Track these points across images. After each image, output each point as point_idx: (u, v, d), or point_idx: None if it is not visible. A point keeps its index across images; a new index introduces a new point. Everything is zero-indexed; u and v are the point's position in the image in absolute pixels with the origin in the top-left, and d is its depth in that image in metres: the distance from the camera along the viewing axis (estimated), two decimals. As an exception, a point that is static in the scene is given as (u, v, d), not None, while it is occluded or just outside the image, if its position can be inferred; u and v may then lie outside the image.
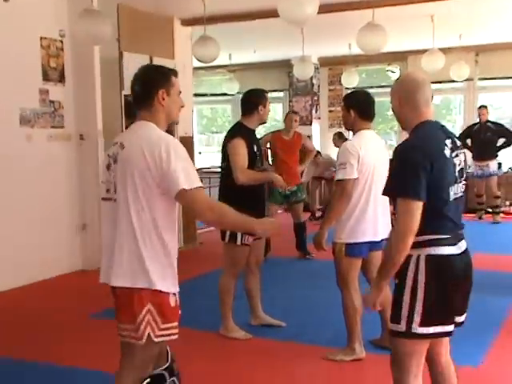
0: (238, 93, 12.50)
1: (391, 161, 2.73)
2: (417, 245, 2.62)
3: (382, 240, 4.27)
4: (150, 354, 2.76)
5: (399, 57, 11.67)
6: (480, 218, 10.37)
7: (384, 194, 2.74)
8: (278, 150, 7.67)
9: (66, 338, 4.96)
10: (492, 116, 10.73)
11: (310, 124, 12.41)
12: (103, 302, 5.86)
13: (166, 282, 2.68)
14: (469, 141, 10.17)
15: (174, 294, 2.74)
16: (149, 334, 2.65)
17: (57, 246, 7.01)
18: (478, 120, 10.30)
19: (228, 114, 15.11)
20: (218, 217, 2.67)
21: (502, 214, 10.38)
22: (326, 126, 12.60)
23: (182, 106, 2.85)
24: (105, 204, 2.80)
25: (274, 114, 13.31)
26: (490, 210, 10.31)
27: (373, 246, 4.23)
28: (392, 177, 2.69)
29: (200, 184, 2.63)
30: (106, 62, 7.19)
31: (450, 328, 2.71)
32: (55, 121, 6.98)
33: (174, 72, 2.83)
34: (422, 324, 2.62)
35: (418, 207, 2.54)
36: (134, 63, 7.35)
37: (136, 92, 2.78)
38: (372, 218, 4.14)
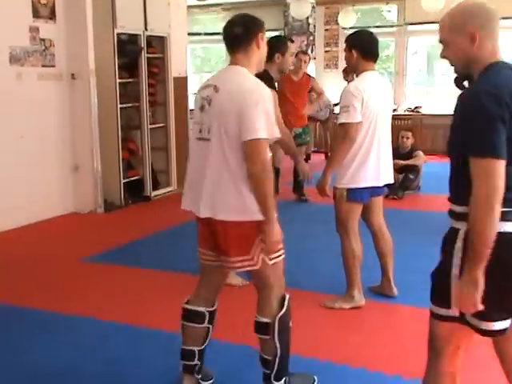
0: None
1: (454, 110, 2.18)
2: (467, 216, 2.09)
3: (383, 185, 4.23)
4: (275, 272, 2.96)
5: (398, -4, 11.44)
6: None
7: (449, 153, 2.23)
8: (285, 91, 7.43)
9: (57, 283, 4.90)
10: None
11: (306, 64, 12.19)
12: (96, 245, 5.88)
13: None
14: (466, 82, 9.96)
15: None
16: (263, 259, 2.86)
17: (48, 187, 6.90)
18: None
19: (221, 55, 14.78)
20: (264, 174, 2.71)
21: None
22: (321, 66, 12.40)
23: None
24: (198, 143, 2.88)
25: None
26: None
27: (374, 191, 4.17)
28: (461, 131, 2.12)
29: (270, 136, 2.74)
30: (99, -1, 6.94)
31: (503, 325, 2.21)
32: (46, 59, 6.77)
33: (264, 23, 3.00)
34: (483, 317, 2.14)
35: (500, 167, 2.01)
36: (126, 0, 7.14)
37: (236, 33, 2.88)
38: (375, 162, 4.05)
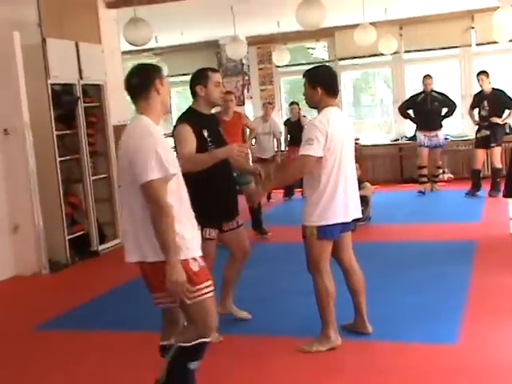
0: (166, 76, 12.20)
1: None
2: None
3: (352, 221, 4.12)
4: (199, 310, 2.99)
5: (327, 33, 11.55)
6: (425, 189, 10.03)
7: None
8: None
9: (10, 358, 4.46)
10: (412, 87, 10.80)
11: (243, 104, 12.28)
12: (46, 310, 5.47)
13: (181, 250, 2.90)
14: (411, 111, 10.14)
15: (195, 258, 2.98)
16: (181, 298, 2.93)
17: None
18: (421, 90, 9.99)
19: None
20: (159, 215, 2.82)
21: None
22: (258, 105, 12.39)
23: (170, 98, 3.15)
24: (118, 190, 3.16)
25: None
26: (425, 180, 10.23)
27: (344, 227, 4.07)
28: None
29: (164, 175, 2.85)
30: (29, 49, 6.67)
31: None
32: (-25, 116, 6.43)
33: (161, 68, 3.19)
34: None
35: None
36: (59, 50, 6.95)
37: (133, 84, 3.07)
38: (342, 198, 3.96)
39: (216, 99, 4.32)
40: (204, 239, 4.20)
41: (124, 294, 5.83)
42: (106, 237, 7.74)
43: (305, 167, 3.93)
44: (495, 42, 10.44)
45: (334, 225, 3.97)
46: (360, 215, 4.21)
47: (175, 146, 4.22)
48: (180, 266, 2.85)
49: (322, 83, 3.98)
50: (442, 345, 4.07)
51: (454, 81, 11.85)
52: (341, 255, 4.20)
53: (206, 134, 4.18)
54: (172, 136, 4.31)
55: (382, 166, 11.74)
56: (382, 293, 5.08)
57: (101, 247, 7.48)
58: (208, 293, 3.00)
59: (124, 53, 8.86)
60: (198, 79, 4.25)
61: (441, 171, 10.48)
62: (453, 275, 5.51)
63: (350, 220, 4.07)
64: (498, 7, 8.65)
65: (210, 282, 3.02)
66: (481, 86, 9.32)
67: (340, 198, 3.95)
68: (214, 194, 4.24)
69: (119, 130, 7.87)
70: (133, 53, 10.82)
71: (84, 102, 7.32)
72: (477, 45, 11.31)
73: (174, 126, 4.25)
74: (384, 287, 5.26)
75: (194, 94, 4.29)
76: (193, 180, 4.11)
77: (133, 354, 4.30)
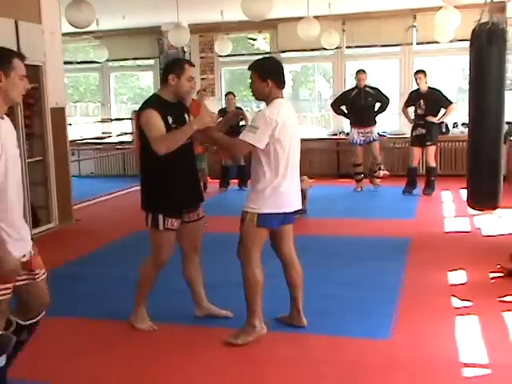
0: (107, 60, 11.99)
1: None
2: None
3: (294, 212, 4.14)
4: None
5: (270, 24, 11.56)
6: (361, 188, 10.13)
7: None
8: None
9: None
10: (350, 82, 10.99)
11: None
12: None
13: None
14: (344, 107, 10.14)
15: None
16: None
17: None
18: (354, 85, 9.97)
19: (91, 83, 14.42)
20: None
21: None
22: (198, 93, 12.31)
23: (27, 88, 2.97)
24: None
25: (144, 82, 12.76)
26: (360, 178, 10.20)
27: (286, 218, 4.09)
28: None
29: None
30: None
31: None
32: None
33: (17, 54, 2.91)
34: None
35: None
36: (-3, 27, 6.70)
37: None
38: (287, 188, 4.01)
39: (184, 93, 4.28)
40: (164, 229, 4.18)
41: (55, 279, 5.69)
42: (39, 220, 7.59)
43: (239, 152, 4.03)
44: (436, 42, 10.68)
45: (275, 214, 3.99)
46: (301, 207, 4.24)
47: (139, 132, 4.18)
48: (9, 256, 2.83)
49: (272, 76, 3.99)
50: (375, 340, 4.14)
51: (394, 78, 12.01)
52: (281, 248, 4.23)
53: (170, 120, 4.12)
54: (136, 121, 4.26)
55: (318, 161, 11.84)
56: (317, 286, 5.12)
57: (34, 231, 7.26)
58: (5, 295, 2.96)
59: (63, 35, 8.64)
60: (173, 68, 4.20)
61: (377, 167, 10.42)
62: (387, 271, 5.62)
63: (292, 211, 4.09)
64: (441, 7, 8.85)
65: (8, 285, 2.97)
66: (418, 84, 9.42)
67: (285, 188, 3.98)
68: (178, 180, 4.17)
69: (56, 112, 7.77)
70: (72, 35, 10.56)
71: (21, 83, 7.10)
72: (417, 44, 11.52)
73: (138, 112, 4.17)
74: (319, 281, 5.31)
75: (164, 81, 4.23)
76: (155, 167, 4.09)
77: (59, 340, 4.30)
